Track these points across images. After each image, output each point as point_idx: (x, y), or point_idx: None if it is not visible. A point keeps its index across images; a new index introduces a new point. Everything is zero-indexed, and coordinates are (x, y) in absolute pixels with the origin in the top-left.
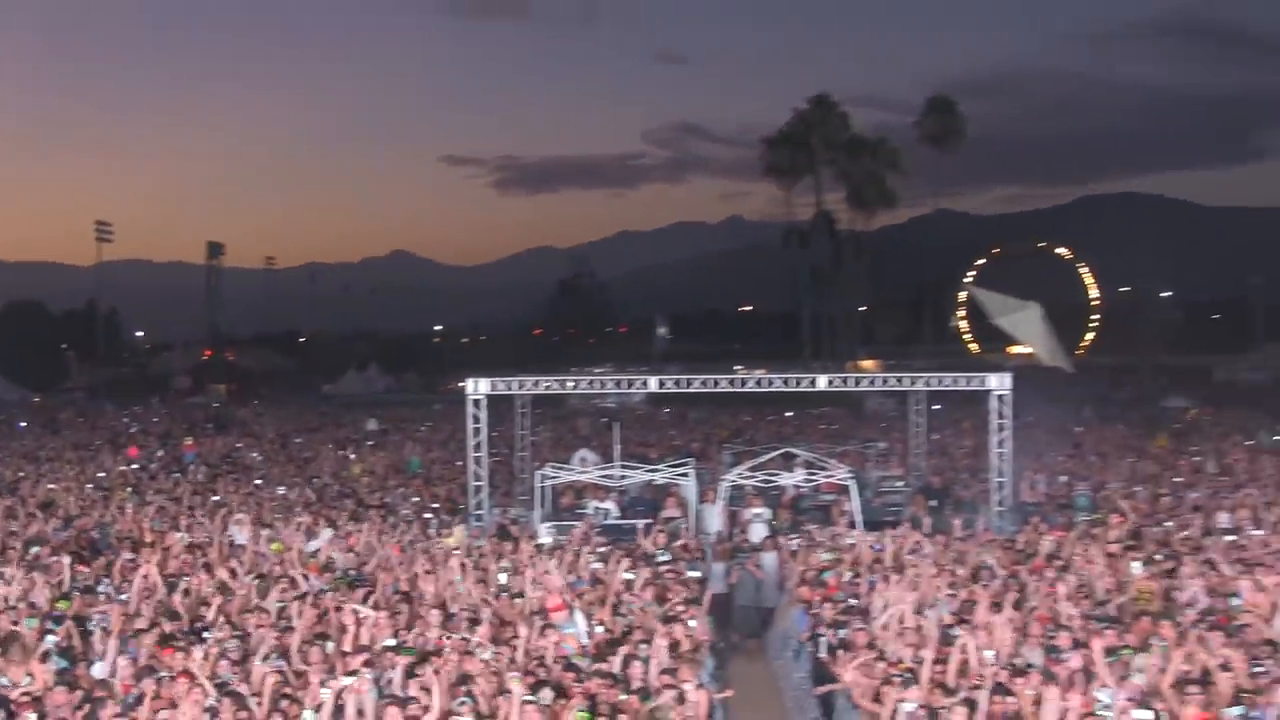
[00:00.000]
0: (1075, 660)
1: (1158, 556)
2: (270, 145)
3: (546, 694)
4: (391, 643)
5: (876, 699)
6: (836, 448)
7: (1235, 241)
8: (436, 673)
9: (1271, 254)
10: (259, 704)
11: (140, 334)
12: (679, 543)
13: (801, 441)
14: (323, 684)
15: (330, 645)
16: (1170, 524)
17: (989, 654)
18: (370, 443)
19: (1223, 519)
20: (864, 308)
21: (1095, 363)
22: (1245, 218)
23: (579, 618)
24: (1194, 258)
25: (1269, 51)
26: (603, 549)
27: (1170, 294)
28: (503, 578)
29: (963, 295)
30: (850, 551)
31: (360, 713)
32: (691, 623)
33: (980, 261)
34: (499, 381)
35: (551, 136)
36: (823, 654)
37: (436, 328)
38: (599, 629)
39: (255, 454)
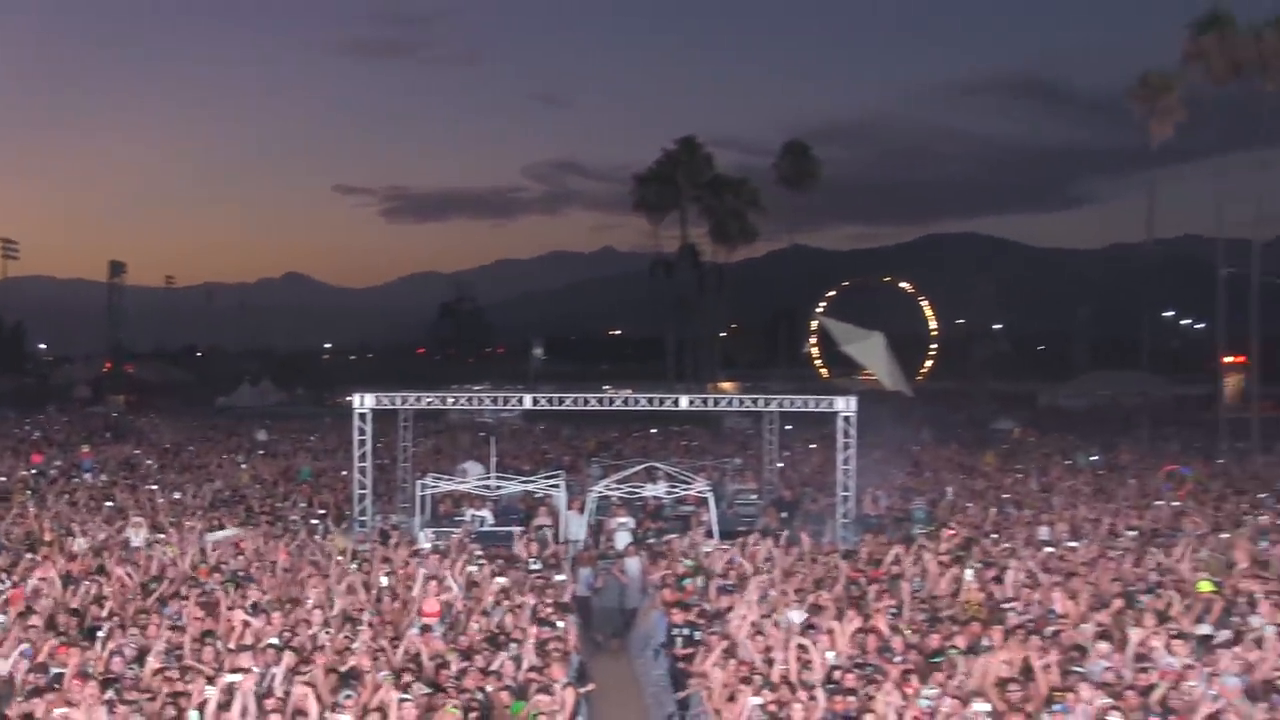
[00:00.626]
0: (909, 661)
1: (977, 565)
2: (172, 170)
3: (421, 690)
4: (276, 642)
5: (730, 697)
6: (696, 463)
7: (1059, 279)
8: (328, 672)
9: (1091, 291)
10: (151, 701)
11: (43, 346)
12: (549, 550)
13: (664, 456)
14: (210, 681)
15: (220, 644)
16: (996, 536)
17: (830, 654)
18: (261, 452)
19: (1043, 532)
20: (724, 334)
21: (933, 388)
22: (1068, 258)
23: (455, 619)
24: (1022, 294)
25: (1088, 110)
26: (478, 554)
27: (1001, 326)
28: (384, 580)
29: (814, 324)
30: (708, 559)
31: (245, 711)
32: (559, 624)
33: (831, 293)
34: (384, 396)
35: (437, 169)
36: (680, 654)
37: (326, 345)
38: (474, 629)
39: (151, 461)
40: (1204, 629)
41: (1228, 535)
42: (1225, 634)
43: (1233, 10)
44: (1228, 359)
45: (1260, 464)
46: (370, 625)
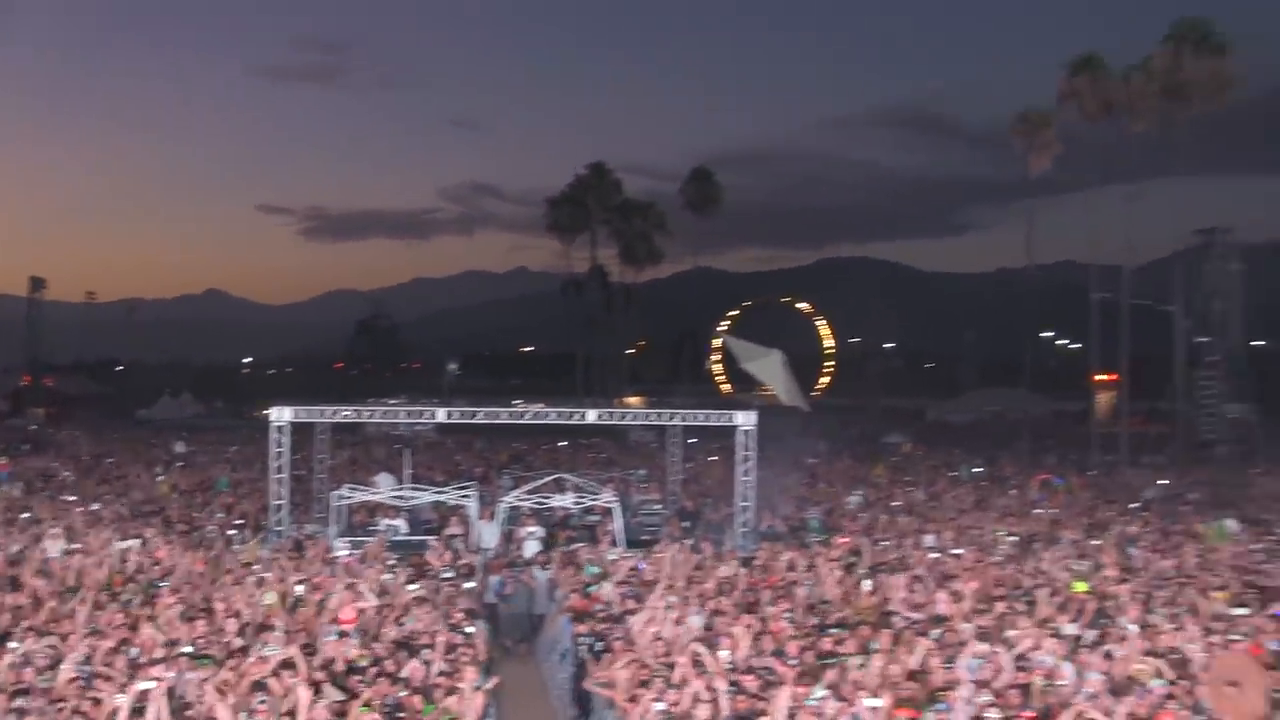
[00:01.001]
0: (802, 663)
1: (862, 571)
2: (95, 187)
3: (334, 695)
4: (189, 650)
5: (632, 699)
6: (603, 474)
7: (946, 302)
8: (240, 679)
9: (976, 313)
10: (62, 709)
11: None
12: (460, 559)
13: (572, 468)
14: (122, 689)
15: (134, 652)
16: (886, 543)
17: (724, 654)
18: (180, 464)
19: (928, 539)
20: (631, 351)
21: (829, 403)
22: (955, 282)
23: (369, 626)
24: (912, 315)
25: (973, 143)
26: (392, 563)
27: (892, 346)
28: (299, 589)
29: (717, 342)
30: (613, 566)
31: (157, 719)
32: (469, 630)
33: (733, 313)
34: (301, 410)
35: (356, 191)
36: (586, 658)
37: (246, 359)
38: (387, 635)
39: (69, 472)
40: (1073, 629)
41: (1098, 542)
42: (1093, 634)
43: (1105, 53)
44: (1100, 377)
45: (1128, 475)
46: (284, 633)
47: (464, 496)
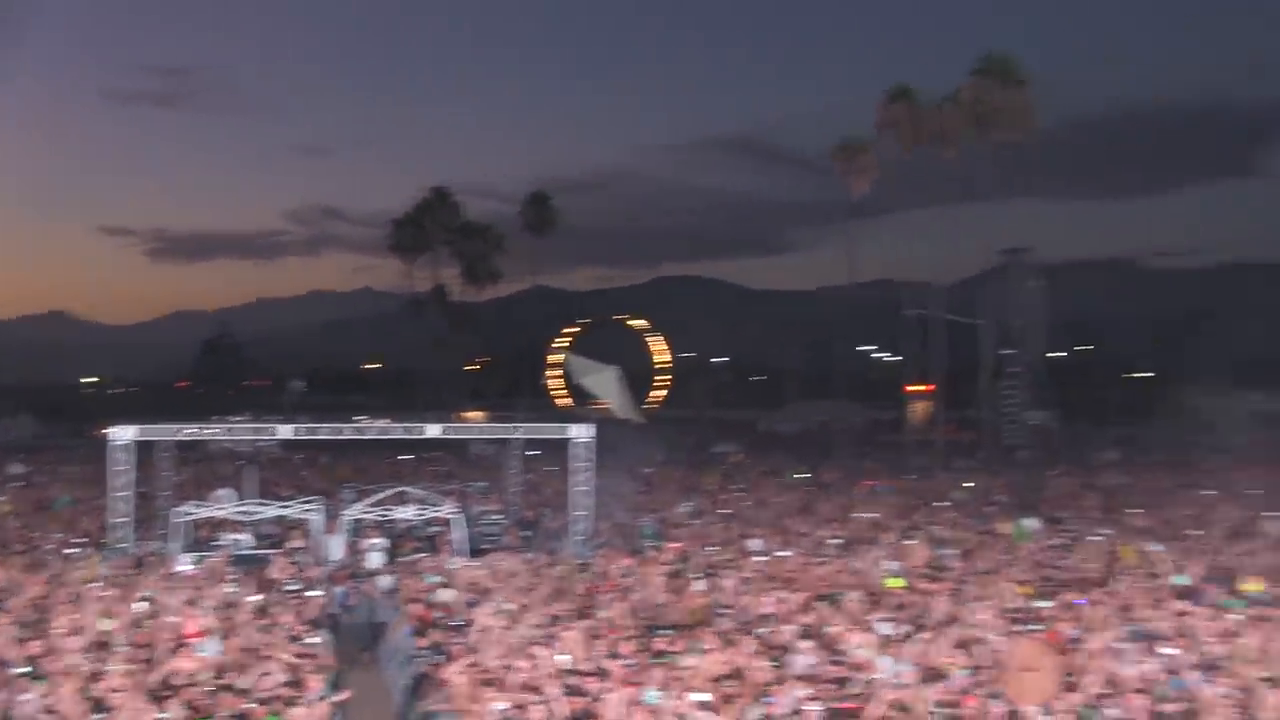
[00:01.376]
0: (636, 662)
1: (692, 574)
2: None
3: (178, 710)
4: (25, 669)
5: (473, 701)
6: (445, 487)
7: (773, 318)
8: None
9: (801, 328)
10: None
11: None
12: (306, 574)
13: (415, 481)
14: None
15: None
16: (715, 548)
17: (564, 658)
18: (19, 484)
19: (755, 543)
20: (472, 367)
21: (663, 415)
22: (781, 299)
23: (213, 639)
24: (742, 330)
25: (796, 167)
26: (235, 576)
27: (723, 360)
28: (142, 605)
29: (554, 358)
30: (454, 575)
31: None
32: (312, 640)
33: (570, 330)
34: (144, 428)
35: (201, 213)
36: (427, 663)
37: (89, 379)
38: (231, 647)
39: None
40: (888, 625)
41: (912, 542)
42: (906, 628)
43: (919, 85)
44: (914, 388)
45: (941, 480)
46: (126, 648)
47: (307, 510)
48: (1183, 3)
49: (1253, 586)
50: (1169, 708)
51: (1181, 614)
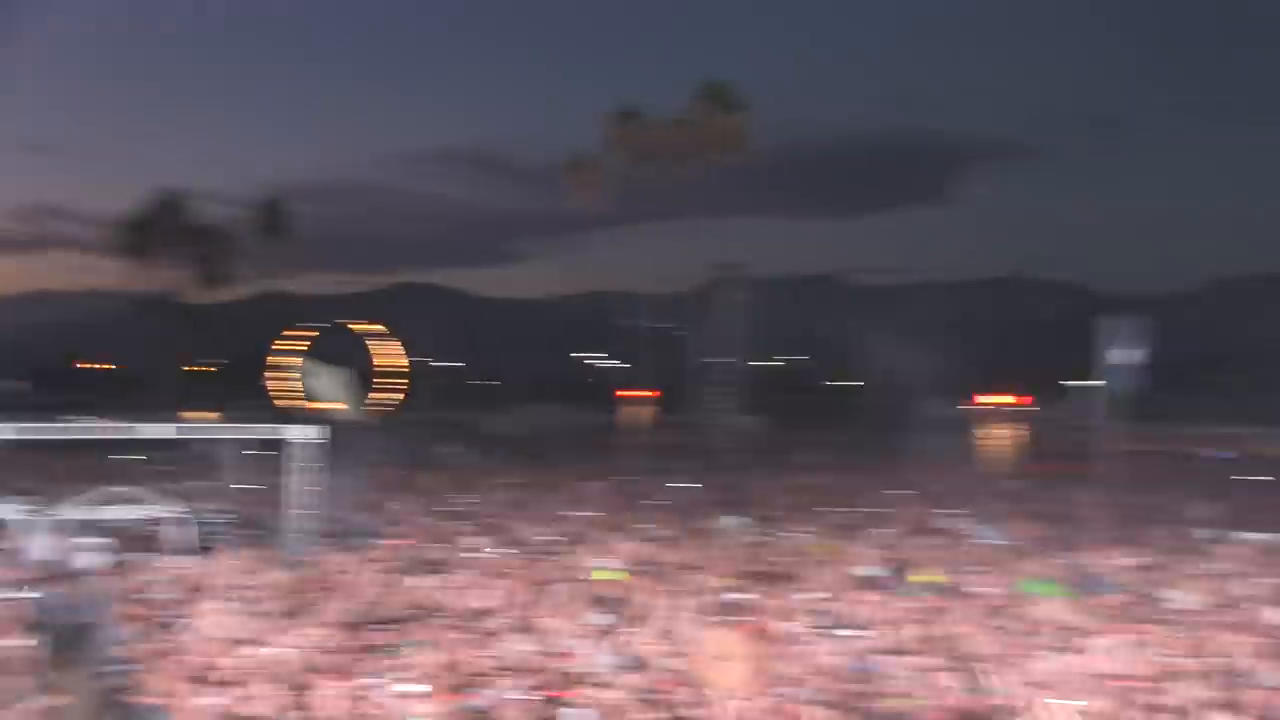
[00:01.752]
0: (358, 655)
1: (411, 571)
2: None
3: None
4: None
5: (187, 698)
6: (165, 486)
7: (502, 325)
8: None
9: (527, 335)
10: None
11: None
12: (14, 572)
13: (136, 481)
14: None
15: None
16: (433, 545)
17: (278, 652)
18: None
19: (481, 540)
20: (198, 368)
21: (391, 417)
22: (511, 306)
23: None
24: (472, 336)
25: (528, 180)
26: None
27: (452, 364)
28: None
29: (284, 360)
30: (174, 574)
31: None
32: (19, 643)
33: (294, 333)
34: None
35: None
36: (139, 662)
37: None
38: None
39: None
40: (597, 616)
41: (625, 539)
42: (613, 619)
43: (649, 106)
44: (631, 393)
45: (652, 481)
46: None
47: (19, 511)
48: (885, 43)
49: (929, 577)
50: (855, 688)
51: (865, 603)
